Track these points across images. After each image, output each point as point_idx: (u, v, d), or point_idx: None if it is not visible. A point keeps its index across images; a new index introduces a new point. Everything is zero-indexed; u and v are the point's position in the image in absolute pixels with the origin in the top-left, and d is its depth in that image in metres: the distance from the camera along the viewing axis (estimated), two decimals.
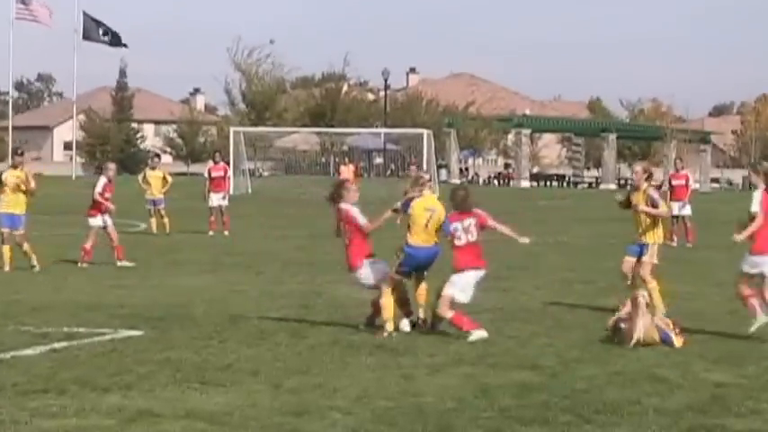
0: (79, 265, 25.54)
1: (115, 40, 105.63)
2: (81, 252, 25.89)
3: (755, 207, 16.90)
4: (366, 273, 16.54)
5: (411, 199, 17.16)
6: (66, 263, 26.13)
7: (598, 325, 17.35)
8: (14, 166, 25.49)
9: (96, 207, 26.48)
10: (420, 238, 16.73)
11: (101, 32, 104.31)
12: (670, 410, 11.53)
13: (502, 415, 11.22)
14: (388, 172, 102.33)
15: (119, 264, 25.83)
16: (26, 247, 24.66)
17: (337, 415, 11.14)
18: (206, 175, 39.53)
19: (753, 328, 16.29)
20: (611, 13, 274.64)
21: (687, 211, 35.29)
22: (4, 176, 25.10)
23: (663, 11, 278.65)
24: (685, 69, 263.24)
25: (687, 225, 35.02)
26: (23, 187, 24.86)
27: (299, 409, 11.35)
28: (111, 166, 28.05)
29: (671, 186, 36.49)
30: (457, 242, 16.55)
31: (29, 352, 14.28)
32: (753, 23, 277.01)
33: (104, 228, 26.36)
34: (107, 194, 26.71)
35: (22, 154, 26.12)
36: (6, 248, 24.77)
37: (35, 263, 24.50)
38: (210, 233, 36.33)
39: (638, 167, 19.94)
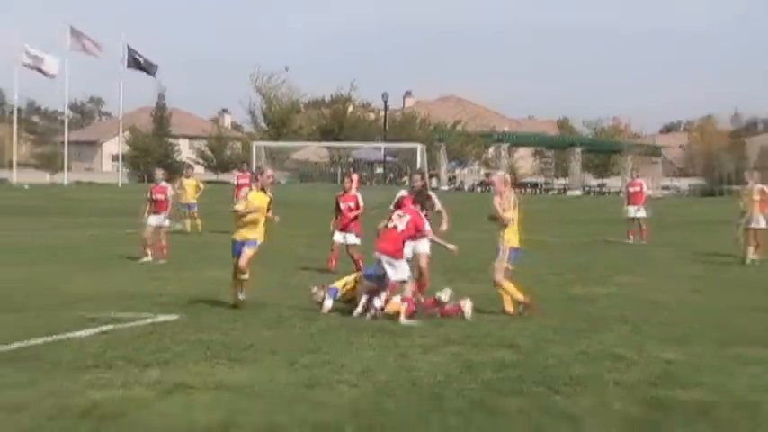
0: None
1: (150, 70, 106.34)
2: None
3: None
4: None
5: None
6: (112, 258, 26.10)
7: (567, 310, 17.42)
8: None
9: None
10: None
11: (140, 62, 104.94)
12: (627, 383, 11.56)
13: (484, 387, 11.24)
14: (387, 180, 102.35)
15: None
16: None
17: (344, 387, 11.16)
18: (235, 182, 39.75)
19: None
20: (580, 47, 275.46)
21: (642, 213, 35.44)
22: None
23: (621, 44, 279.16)
24: (640, 92, 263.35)
25: (642, 226, 35.12)
26: None
27: (310, 382, 11.37)
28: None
29: (628, 193, 36.65)
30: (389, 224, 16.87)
31: (81, 333, 14.30)
32: (699, 52, 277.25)
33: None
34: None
35: None
36: None
37: None
38: None
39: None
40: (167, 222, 27.43)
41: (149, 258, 25.93)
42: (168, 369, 11.96)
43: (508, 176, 18.03)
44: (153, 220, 27.00)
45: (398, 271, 16.49)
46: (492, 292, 17.28)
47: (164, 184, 28.26)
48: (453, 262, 17.84)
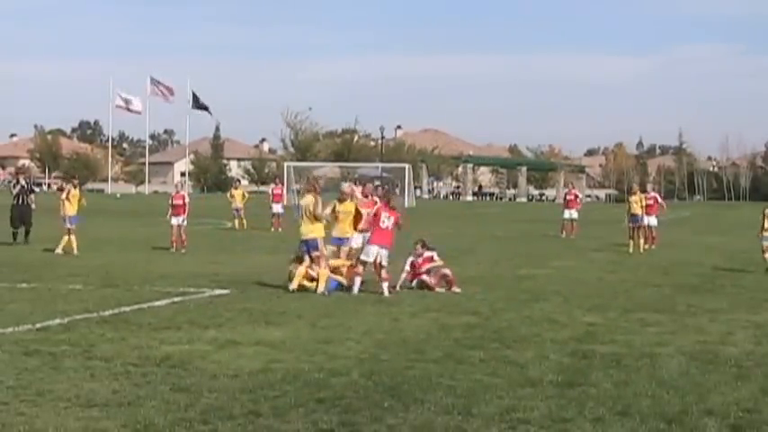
0: None
1: (208, 111, 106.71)
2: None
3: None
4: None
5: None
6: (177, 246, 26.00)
7: (515, 286, 17.39)
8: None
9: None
10: None
11: (201, 104, 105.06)
12: (560, 340, 11.56)
13: (455, 343, 11.23)
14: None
15: None
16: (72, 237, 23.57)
17: (351, 343, 11.15)
18: (270, 192, 39.74)
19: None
20: (527, 93, 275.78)
21: (575, 215, 35.18)
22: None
23: (556, 89, 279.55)
24: (570, 125, 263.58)
25: (574, 225, 34.97)
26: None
27: (327, 339, 11.36)
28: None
29: (566, 200, 36.34)
30: (381, 225, 16.33)
31: (158, 303, 14.29)
32: (614, 96, 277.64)
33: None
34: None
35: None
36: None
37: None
38: (272, 230, 36.28)
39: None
40: (185, 222, 25.86)
41: (173, 250, 24.88)
42: (222, 330, 11.94)
43: (347, 187, 17.74)
44: (174, 221, 25.75)
45: (387, 257, 16.30)
46: (461, 273, 17.22)
47: (183, 192, 27.00)
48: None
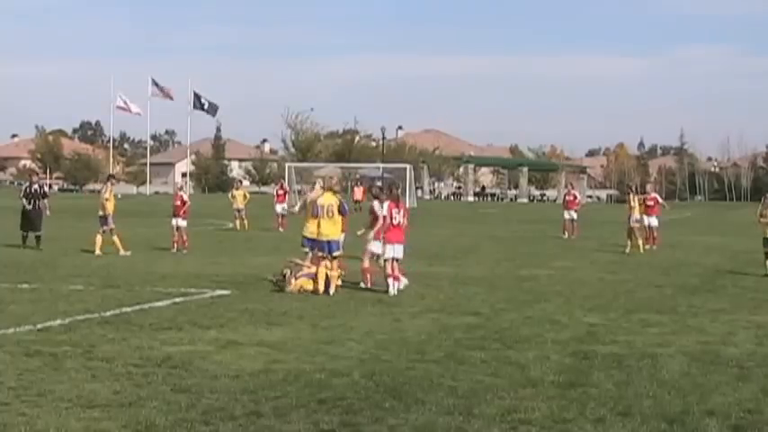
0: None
1: (212, 110, 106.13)
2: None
3: (384, 212, 16.26)
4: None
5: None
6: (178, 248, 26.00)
7: (516, 286, 17.37)
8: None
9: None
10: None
11: (203, 104, 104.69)
12: (561, 341, 11.55)
13: (456, 344, 11.22)
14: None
15: None
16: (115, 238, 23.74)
17: (352, 343, 11.15)
18: (274, 192, 39.89)
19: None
20: (526, 93, 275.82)
21: (574, 216, 35.11)
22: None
23: (557, 88, 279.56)
24: (571, 125, 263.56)
25: (574, 225, 34.90)
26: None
27: (328, 340, 11.35)
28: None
29: (565, 200, 36.28)
30: (394, 222, 16.28)
31: (159, 304, 14.28)
32: (615, 95, 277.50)
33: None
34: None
35: None
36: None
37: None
38: (275, 230, 36.23)
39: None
40: (183, 223, 25.81)
41: (174, 251, 24.89)
42: (223, 330, 11.94)
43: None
44: (173, 221, 25.87)
45: (402, 253, 16.32)
46: (462, 273, 17.21)
47: (180, 192, 26.88)
48: (433, 250, 17.77)
